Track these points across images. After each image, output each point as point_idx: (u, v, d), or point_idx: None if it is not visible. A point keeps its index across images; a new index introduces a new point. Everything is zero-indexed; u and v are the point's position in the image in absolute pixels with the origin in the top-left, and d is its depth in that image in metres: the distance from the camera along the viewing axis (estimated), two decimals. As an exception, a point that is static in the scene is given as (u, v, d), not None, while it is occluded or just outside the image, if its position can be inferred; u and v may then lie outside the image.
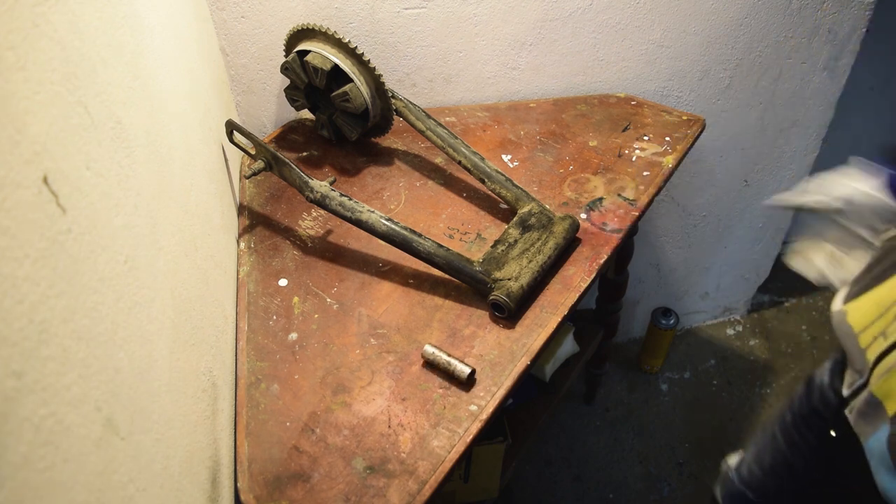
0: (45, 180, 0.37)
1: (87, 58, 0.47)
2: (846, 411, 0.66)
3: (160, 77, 0.68)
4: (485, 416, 0.75)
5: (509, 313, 0.83)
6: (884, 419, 0.59)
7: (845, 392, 0.69)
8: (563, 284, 0.90)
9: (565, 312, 0.86)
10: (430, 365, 0.80)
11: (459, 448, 0.72)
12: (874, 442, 0.60)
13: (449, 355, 0.78)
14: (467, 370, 0.77)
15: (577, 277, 0.91)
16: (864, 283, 0.68)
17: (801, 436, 0.91)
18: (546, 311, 0.86)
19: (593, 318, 1.51)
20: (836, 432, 0.78)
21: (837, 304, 0.70)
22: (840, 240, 0.71)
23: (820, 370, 0.87)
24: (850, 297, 0.68)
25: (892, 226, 0.69)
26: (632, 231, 1.04)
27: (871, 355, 0.62)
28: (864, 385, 0.64)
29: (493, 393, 0.77)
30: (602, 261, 0.93)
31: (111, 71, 0.52)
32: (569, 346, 1.43)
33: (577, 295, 0.88)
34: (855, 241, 0.70)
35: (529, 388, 1.38)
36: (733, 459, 1.09)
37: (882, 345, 0.60)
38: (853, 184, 0.69)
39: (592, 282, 0.91)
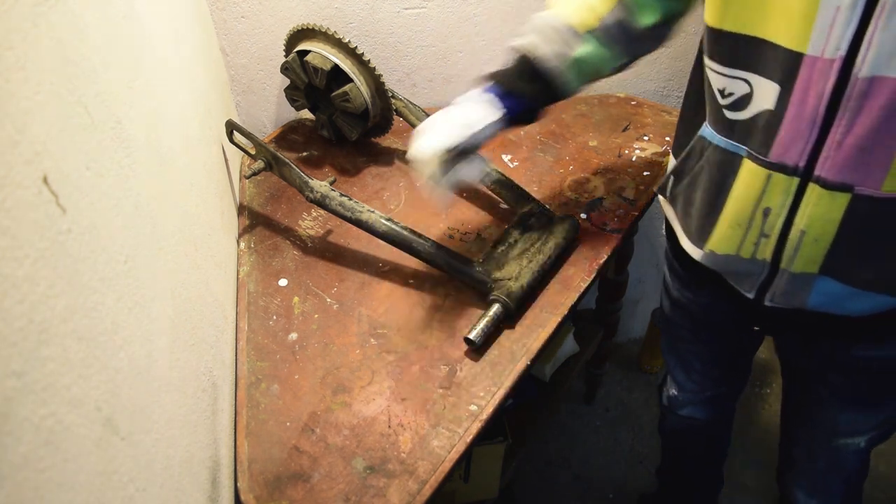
0: (45, 180, 0.37)
1: (87, 58, 0.47)
2: (766, 302, 0.75)
3: (160, 77, 0.68)
4: (485, 416, 0.75)
5: (509, 313, 0.83)
6: (811, 281, 0.70)
7: (751, 295, 0.76)
8: (563, 284, 0.90)
9: (565, 312, 0.86)
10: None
11: (459, 448, 0.72)
12: (815, 296, 0.71)
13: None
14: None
15: (577, 277, 0.91)
16: (698, 225, 0.77)
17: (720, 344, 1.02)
18: (546, 311, 0.86)
19: (593, 318, 1.51)
20: (757, 326, 0.89)
21: (694, 251, 0.79)
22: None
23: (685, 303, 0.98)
24: (703, 240, 0.77)
25: None
26: (632, 231, 1.04)
27: (764, 255, 0.71)
28: (770, 277, 0.72)
29: (493, 393, 0.77)
30: (602, 261, 0.93)
31: (111, 71, 0.52)
32: (569, 346, 1.43)
33: (577, 295, 0.88)
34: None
35: (529, 388, 1.38)
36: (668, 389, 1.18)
37: (770, 242, 0.69)
38: (481, 113, 0.79)
39: (592, 282, 0.91)
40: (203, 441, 0.65)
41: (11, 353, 0.32)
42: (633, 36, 0.78)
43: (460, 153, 0.78)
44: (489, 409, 0.76)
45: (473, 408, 0.76)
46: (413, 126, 1.06)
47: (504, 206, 1.02)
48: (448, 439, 0.73)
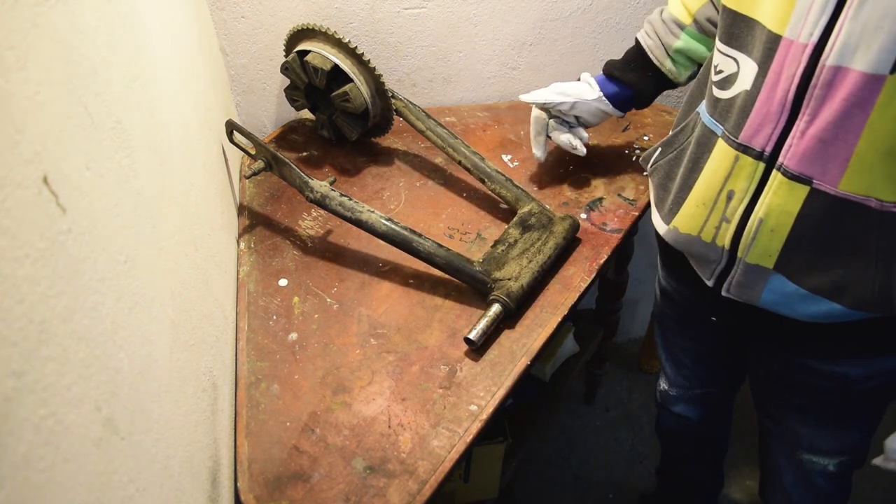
0: (45, 180, 0.37)
1: (87, 58, 0.47)
2: (723, 292, 0.76)
3: (160, 77, 0.68)
4: (485, 416, 0.75)
5: (509, 313, 0.83)
6: (766, 276, 0.70)
7: (710, 283, 0.77)
8: (563, 284, 0.90)
9: (565, 312, 0.86)
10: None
11: (459, 448, 0.72)
12: (768, 294, 0.71)
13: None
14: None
15: (577, 277, 0.91)
16: (671, 200, 0.79)
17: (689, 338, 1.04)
18: (546, 311, 0.86)
19: (593, 318, 1.51)
20: (715, 317, 0.89)
21: (661, 226, 0.83)
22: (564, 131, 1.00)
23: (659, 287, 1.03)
24: (671, 215, 0.79)
25: (605, 118, 1.00)
26: (632, 231, 1.04)
27: (723, 241, 0.72)
28: (728, 266, 0.73)
29: (493, 393, 0.77)
30: (602, 261, 0.93)
31: (111, 71, 0.52)
32: (569, 346, 1.43)
33: (577, 295, 0.88)
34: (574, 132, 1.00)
35: (529, 388, 1.38)
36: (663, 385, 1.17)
37: (730, 228, 0.71)
38: (581, 89, 0.97)
39: (592, 282, 0.91)
40: (203, 441, 0.65)
41: (11, 353, 0.32)
42: None
43: (553, 116, 1.00)
44: (489, 409, 0.76)
45: (473, 408, 0.76)
46: (413, 126, 1.06)
47: (504, 206, 1.02)
48: (448, 439, 0.73)
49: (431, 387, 0.78)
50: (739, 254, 0.71)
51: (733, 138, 0.68)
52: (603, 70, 0.98)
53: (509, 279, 0.85)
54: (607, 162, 1.10)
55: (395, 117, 1.09)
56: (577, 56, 1.26)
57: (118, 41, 0.56)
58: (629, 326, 1.90)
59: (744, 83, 0.67)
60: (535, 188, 1.05)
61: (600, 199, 1.03)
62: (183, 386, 0.60)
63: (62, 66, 0.42)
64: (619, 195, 1.04)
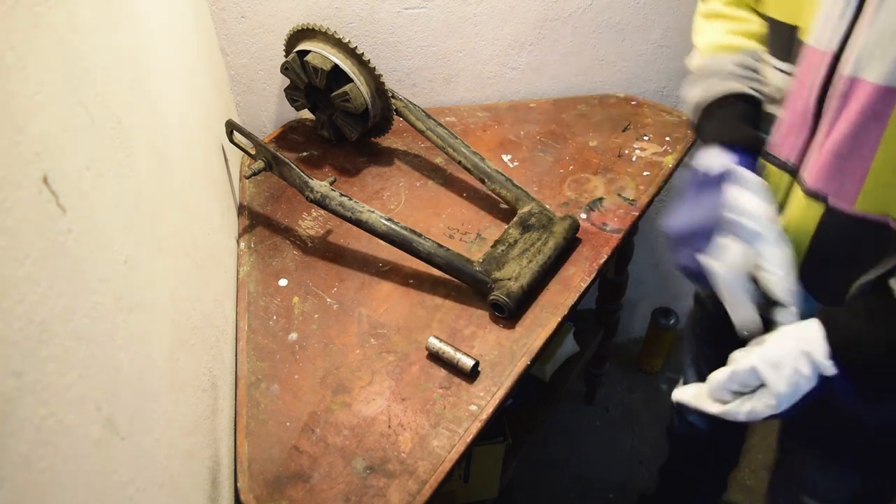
0: (45, 180, 0.37)
1: (87, 58, 0.47)
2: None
3: (160, 77, 0.68)
4: (485, 416, 0.75)
5: (509, 313, 0.83)
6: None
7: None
8: (563, 284, 0.90)
9: (565, 312, 0.86)
10: (435, 357, 0.80)
11: (459, 448, 0.72)
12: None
13: (455, 349, 0.79)
14: (470, 362, 0.77)
15: (577, 277, 0.91)
16: None
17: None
18: (546, 311, 0.86)
19: (593, 318, 1.51)
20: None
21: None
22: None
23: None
24: None
25: None
26: (632, 231, 1.04)
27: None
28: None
29: (493, 393, 0.77)
30: (602, 261, 0.93)
31: (111, 71, 0.52)
32: (569, 346, 1.43)
33: (577, 295, 0.88)
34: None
35: (529, 388, 1.38)
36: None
37: None
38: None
39: (592, 282, 0.91)
40: (203, 441, 0.65)
41: (11, 353, 0.32)
42: None
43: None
44: (489, 409, 0.76)
45: (473, 408, 0.76)
46: (413, 126, 1.06)
47: (504, 206, 1.02)
48: (448, 439, 0.73)
49: (431, 387, 0.78)
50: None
51: (764, 146, 0.66)
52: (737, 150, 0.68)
53: (509, 279, 0.85)
54: (607, 162, 1.10)
55: (395, 117, 1.09)
56: (576, 56, 1.26)
57: (118, 41, 0.56)
58: (629, 326, 1.91)
59: (779, 92, 0.65)
60: (535, 188, 1.05)
61: (600, 199, 1.03)
62: (183, 386, 0.60)
63: (62, 66, 0.42)
64: (619, 195, 1.04)
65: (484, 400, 0.77)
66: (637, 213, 1.01)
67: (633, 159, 1.11)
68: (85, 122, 0.45)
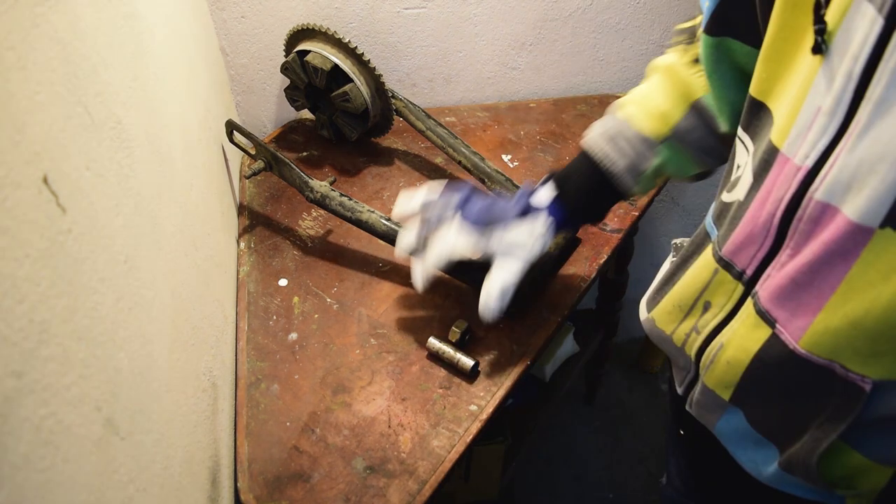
0: (45, 180, 0.37)
1: (87, 58, 0.47)
2: (686, 407, 0.67)
3: (160, 77, 0.68)
4: (485, 416, 0.75)
5: (509, 313, 0.83)
6: (723, 405, 0.61)
7: (680, 391, 0.69)
8: (563, 284, 0.90)
9: (565, 312, 0.86)
10: (435, 357, 0.80)
11: (459, 448, 0.72)
12: (723, 425, 0.62)
13: (455, 349, 0.79)
14: (470, 362, 0.77)
15: (577, 277, 0.91)
16: (655, 289, 0.71)
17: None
18: (546, 311, 0.86)
19: (593, 318, 1.51)
20: (683, 431, 0.79)
21: (644, 312, 0.73)
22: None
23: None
24: (652, 304, 0.70)
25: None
26: (632, 231, 1.04)
27: (690, 351, 0.64)
28: (695, 379, 0.65)
29: (493, 393, 0.77)
30: (602, 261, 0.93)
31: (111, 71, 0.52)
32: (569, 346, 1.43)
33: (577, 295, 0.88)
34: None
35: (529, 388, 1.38)
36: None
37: (698, 340, 0.62)
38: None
39: (592, 282, 0.91)
40: (203, 441, 0.65)
41: (11, 353, 0.32)
42: (710, 144, 0.72)
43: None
44: (489, 409, 0.76)
45: (473, 408, 0.76)
46: (413, 126, 1.06)
47: (504, 206, 1.02)
48: (448, 439, 0.73)
49: (431, 387, 0.78)
50: (700, 371, 0.62)
51: (717, 249, 0.59)
52: (556, 196, 0.76)
53: (509, 279, 0.85)
54: (607, 162, 1.10)
55: (395, 117, 1.09)
56: (577, 56, 1.26)
57: (118, 41, 0.56)
58: (629, 326, 1.90)
59: (740, 192, 0.58)
60: (535, 188, 1.05)
61: (600, 199, 1.03)
62: (183, 386, 0.60)
63: (62, 66, 0.42)
64: (619, 195, 1.03)
65: (484, 400, 0.77)
66: (637, 213, 1.01)
67: (633, 159, 1.11)
68: (85, 122, 0.45)
